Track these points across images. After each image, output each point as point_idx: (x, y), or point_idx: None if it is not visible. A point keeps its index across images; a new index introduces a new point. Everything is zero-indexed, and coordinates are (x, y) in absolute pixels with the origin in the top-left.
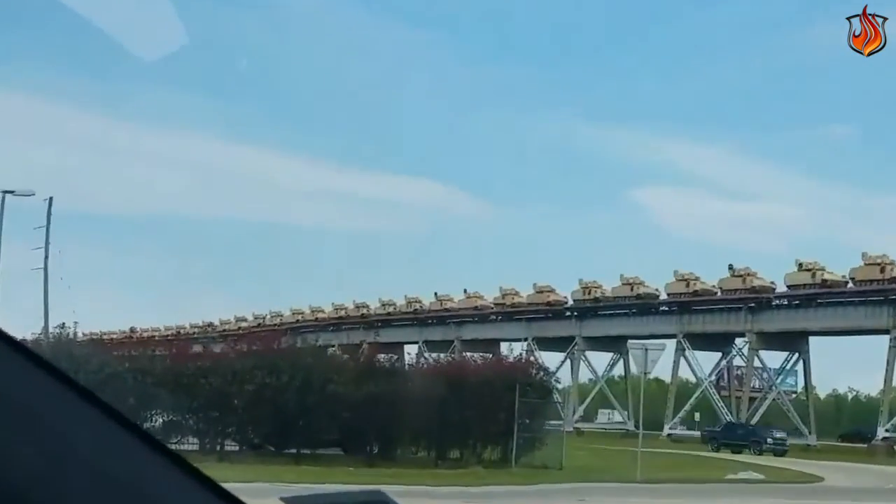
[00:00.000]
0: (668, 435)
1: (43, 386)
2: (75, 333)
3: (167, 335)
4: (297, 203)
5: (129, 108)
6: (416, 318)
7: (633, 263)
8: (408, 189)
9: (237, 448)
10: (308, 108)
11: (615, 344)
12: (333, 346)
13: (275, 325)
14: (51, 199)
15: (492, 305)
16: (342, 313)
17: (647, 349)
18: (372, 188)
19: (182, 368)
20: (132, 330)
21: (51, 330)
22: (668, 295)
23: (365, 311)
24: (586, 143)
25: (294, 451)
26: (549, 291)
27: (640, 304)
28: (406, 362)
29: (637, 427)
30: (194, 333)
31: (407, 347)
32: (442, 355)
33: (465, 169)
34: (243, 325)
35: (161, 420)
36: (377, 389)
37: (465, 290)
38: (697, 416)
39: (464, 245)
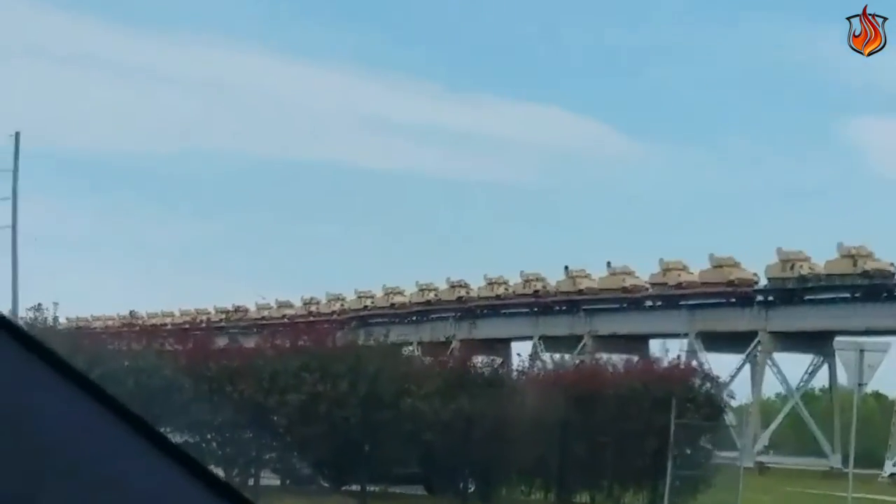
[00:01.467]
0: (893, 475)
1: (40, 376)
2: (55, 318)
3: (182, 323)
4: (363, 137)
5: (133, 10)
6: (537, 302)
7: (856, 228)
8: (527, 119)
9: (278, 482)
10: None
11: (817, 343)
12: (411, 343)
13: (332, 313)
14: (18, 134)
15: (647, 286)
16: (430, 296)
17: (862, 350)
18: (474, 118)
19: (202, 370)
20: (133, 315)
21: (21, 313)
22: None
23: (464, 292)
24: (770, 48)
25: (357, 487)
26: (731, 266)
27: (866, 287)
28: (514, 367)
29: (846, 463)
30: (220, 322)
31: (516, 345)
32: (567, 357)
33: (606, 93)
34: (288, 312)
35: (179, 434)
36: (473, 405)
37: (608, 264)
38: None
39: (608, 199)
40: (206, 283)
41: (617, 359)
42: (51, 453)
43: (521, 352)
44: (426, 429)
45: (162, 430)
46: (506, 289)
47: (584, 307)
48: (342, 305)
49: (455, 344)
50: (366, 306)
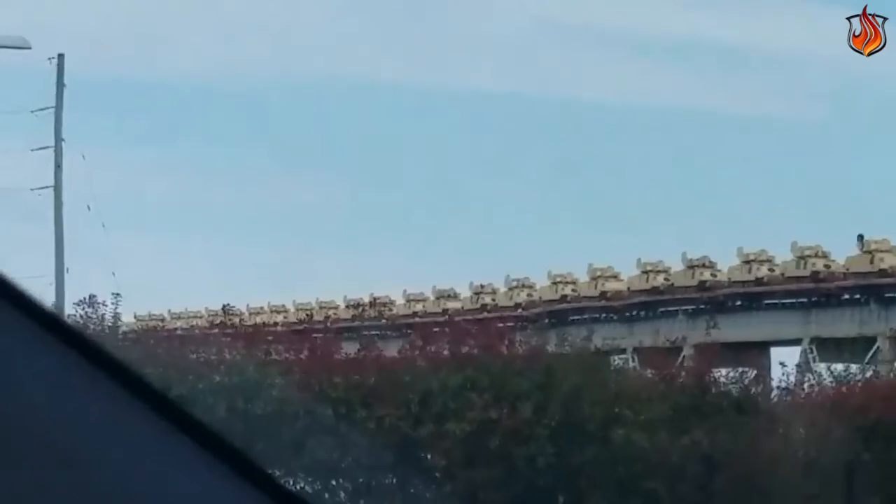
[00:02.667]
0: None
1: (98, 391)
2: (116, 315)
3: (295, 322)
4: (561, 54)
5: None
6: (817, 290)
7: None
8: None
9: None
10: None
11: None
12: (624, 350)
13: (515, 306)
14: (61, 57)
15: None
16: (658, 281)
17: None
18: (737, 27)
19: (324, 388)
20: (227, 311)
21: (68, 309)
22: None
23: (709, 275)
24: None
25: None
26: None
27: None
28: (774, 383)
29: None
30: (353, 320)
31: (777, 352)
32: (853, 368)
33: None
34: (452, 305)
35: (288, 484)
36: (716, 440)
37: None
38: None
39: None
40: (335, 266)
41: None
42: (112, 484)
43: (785, 361)
44: (647, 473)
45: (270, 468)
46: (770, 269)
47: (886, 294)
48: (529, 296)
49: (687, 350)
50: (564, 296)
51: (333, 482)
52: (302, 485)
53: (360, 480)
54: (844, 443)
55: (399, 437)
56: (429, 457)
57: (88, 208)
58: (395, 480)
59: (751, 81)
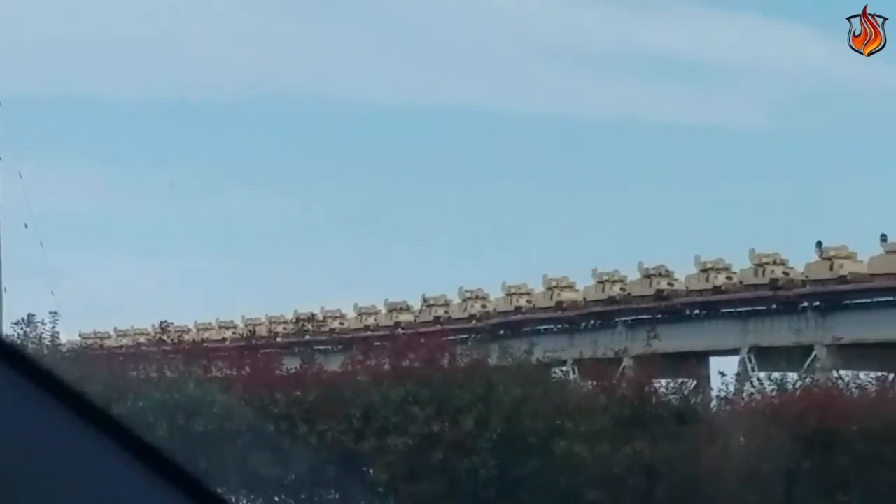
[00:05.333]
0: None
1: (39, 409)
2: (54, 334)
3: (237, 338)
4: (509, 69)
5: None
6: (775, 298)
7: None
8: (736, 36)
9: None
10: None
11: None
12: (564, 362)
13: (469, 318)
14: None
15: None
16: (614, 291)
17: None
18: (669, 37)
19: (265, 402)
20: (163, 327)
21: (8, 330)
22: None
23: (665, 284)
24: None
25: None
26: None
27: None
28: (713, 393)
29: None
30: (299, 335)
31: (716, 362)
32: (792, 377)
33: None
34: (404, 318)
35: (231, 501)
36: (656, 450)
37: (883, 238)
38: None
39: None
40: (286, 281)
41: (867, 378)
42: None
43: (724, 370)
44: (589, 484)
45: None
46: (728, 277)
47: (844, 303)
48: (483, 307)
49: (627, 362)
50: (518, 308)
51: (276, 498)
52: (245, 502)
53: (303, 496)
54: (784, 451)
55: (341, 452)
56: (371, 471)
57: (26, 227)
58: (337, 496)
59: (704, 92)
